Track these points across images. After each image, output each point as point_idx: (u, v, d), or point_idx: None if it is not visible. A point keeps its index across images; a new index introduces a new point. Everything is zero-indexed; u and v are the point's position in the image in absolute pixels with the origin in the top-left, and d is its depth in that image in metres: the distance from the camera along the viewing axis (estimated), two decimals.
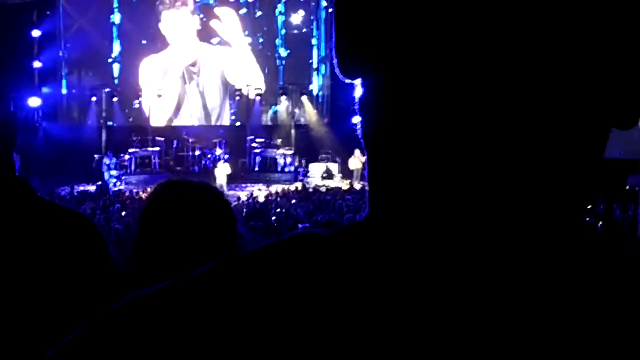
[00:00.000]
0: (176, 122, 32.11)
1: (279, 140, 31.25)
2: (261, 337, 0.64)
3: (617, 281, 0.68)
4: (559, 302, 0.65)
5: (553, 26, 0.61)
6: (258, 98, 31.71)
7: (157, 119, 31.64)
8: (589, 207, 16.47)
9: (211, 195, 2.46)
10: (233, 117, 32.56)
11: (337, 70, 0.73)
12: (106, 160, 28.27)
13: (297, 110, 32.44)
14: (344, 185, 26.29)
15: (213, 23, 31.96)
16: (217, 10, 31.99)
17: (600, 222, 14.90)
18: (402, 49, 0.64)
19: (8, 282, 1.90)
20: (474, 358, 0.63)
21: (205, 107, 32.39)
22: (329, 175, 28.79)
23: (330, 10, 31.49)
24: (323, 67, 32.33)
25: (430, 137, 0.64)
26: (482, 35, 0.61)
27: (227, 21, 32.12)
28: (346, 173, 28.46)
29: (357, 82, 0.72)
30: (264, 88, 32.03)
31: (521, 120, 0.62)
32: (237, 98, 31.81)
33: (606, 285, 0.68)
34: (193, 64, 32.11)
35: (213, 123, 32.39)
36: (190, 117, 32.20)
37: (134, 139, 30.05)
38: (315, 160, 29.73)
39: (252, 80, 31.88)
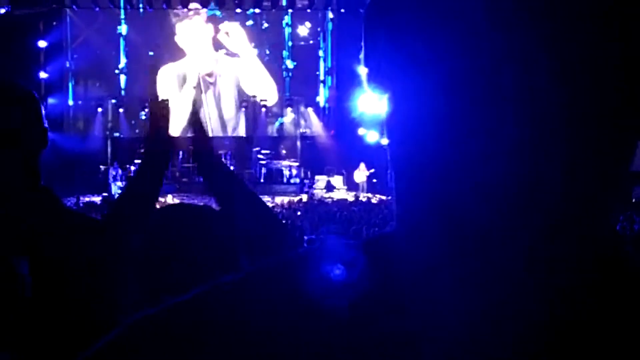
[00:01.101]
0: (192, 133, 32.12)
1: (285, 152, 31.41)
2: (298, 341, 0.66)
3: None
4: (584, 318, 0.64)
5: (581, 40, 0.60)
6: (264, 110, 31.86)
7: (173, 129, 31.68)
8: None
9: (210, 220, 2.43)
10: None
11: (367, 82, 0.73)
12: (112, 172, 28.43)
13: (303, 122, 32.60)
14: (350, 197, 26.40)
15: (220, 36, 32.11)
16: (223, 26, 32.14)
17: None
18: (430, 70, 0.63)
19: (34, 286, 1.92)
20: None
21: (221, 117, 32.51)
22: (329, 188, 28.94)
23: (336, 22, 31.72)
24: (329, 79, 32.48)
25: (451, 150, 0.63)
26: (509, 53, 0.60)
27: (234, 35, 32.27)
28: (351, 185, 28.60)
29: (385, 98, 0.71)
30: (276, 98, 32.19)
31: (550, 136, 0.61)
32: (244, 109, 31.95)
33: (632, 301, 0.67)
34: (209, 74, 32.24)
35: (230, 134, 32.45)
36: (209, 130, 32.34)
37: (141, 150, 30.17)
38: (321, 172, 29.87)
39: (266, 89, 32.08)
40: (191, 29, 31.94)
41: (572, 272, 0.65)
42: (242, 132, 32.72)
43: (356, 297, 0.66)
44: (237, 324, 0.67)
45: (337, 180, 29.34)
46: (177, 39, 31.93)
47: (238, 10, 31.99)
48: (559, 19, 0.59)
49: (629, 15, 0.60)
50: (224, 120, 32.58)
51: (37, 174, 2.18)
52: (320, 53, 32.76)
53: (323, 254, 0.72)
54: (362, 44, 0.72)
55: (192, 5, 31.65)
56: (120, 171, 28.51)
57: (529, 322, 0.63)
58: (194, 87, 32.11)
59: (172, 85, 31.81)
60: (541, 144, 0.60)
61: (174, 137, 2.90)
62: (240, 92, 32.36)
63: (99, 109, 31.44)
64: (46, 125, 2.22)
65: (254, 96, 31.69)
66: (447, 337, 0.63)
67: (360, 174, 28.05)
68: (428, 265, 0.66)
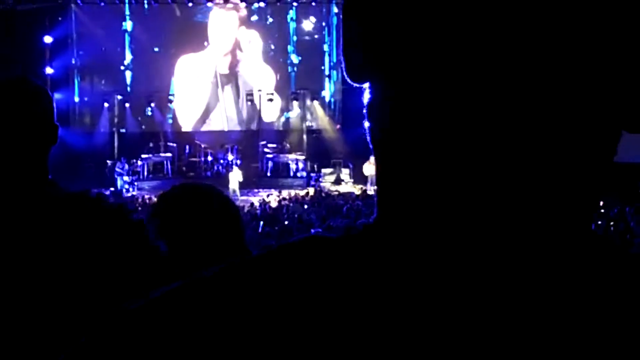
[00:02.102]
0: (207, 127, 32.22)
1: (291, 146, 31.31)
2: (267, 341, 0.64)
3: (619, 284, 0.68)
4: (563, 308, 0.64)
5: (561, 27, 0.60)
6: (270, 103, 31.76)
7: (188, 122, 31.95)
8: (602, 210, 16.51)
9: (218, 197, 2.47)
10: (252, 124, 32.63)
11: (345, 74, 0.73)
12: (119, 166, 28.40)
13: (309, 116, 32.48)
14: (357, 190, 26.30)
15: (241, 39, 32.15)
16: (244, 31, 32.19)
17: (613, 226, 14.87)
18: (407, 53, 0.64)
19: (44, 278, 1.93)
20: None
21: (239, 113, 32.45)
22: (337, 181, 28.80)
23: (341, 16, 31.55)
24: (335, 73, 32.33)
25: (437, 141, 0.63)
26: (488, 38, 0.60)
27: (254, 43, 32.37)
28: (358, 178, 28.48)
29: (366, 86, 0.72)
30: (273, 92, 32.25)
31: (529, 124, 0.61)
32: (249, 103, 31.86)
33: (609, 289, 0.67)
34: (230, 70, 32.25)
35: (254, 128, 32.48)
36: (224, 122, 32.23)
37: (151, 145, 30.21)
38: (328, 165, 29.75)
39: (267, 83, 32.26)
40: (222, 20, 31.91)
41: (566, 264, 0.66)
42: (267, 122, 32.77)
43: (341, 288, 0.66)
44: (215, 319, 0.66)
45: (344, 174, 29.20)
46: (208, 24, 31.91)
47: (242, 5, 31.88)
48: (549, 8, 0.60)
49: (618, 8, 0.61)
50: (242, 115, 32.51)
51: (46, 169, 2.22)
52: (325, 47, 32.62)
53: (299, 248, 0.71)
54: (342, 33, 0.72)
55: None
56: (126, 166, 28.49)
57: (529, 313, 0.63)
58: (212, 82, 32.03)
59: (191, 77, 31.80)
60: (532, 135, 0.60)
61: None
62: (261, 87, 32.27)
63: (105, 104, 31.38)
64: (57, 122, 2.25)
65: (260, 89, 31.57)
66: (443, 330, 0.63)
67: (370, 167, 27.94)
68: (419, 256, 0.66)
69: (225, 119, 32.34)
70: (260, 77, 32.22)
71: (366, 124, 0.71)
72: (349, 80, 0.73)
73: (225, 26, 31.94)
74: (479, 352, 0.62)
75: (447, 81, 0.62)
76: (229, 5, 31.69)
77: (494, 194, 0.62)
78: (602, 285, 0.67)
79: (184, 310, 0.67)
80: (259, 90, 31.49)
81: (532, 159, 0.61)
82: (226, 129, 32.04)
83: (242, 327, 0.65)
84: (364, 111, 0.72)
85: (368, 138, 0.72)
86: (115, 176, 28.18)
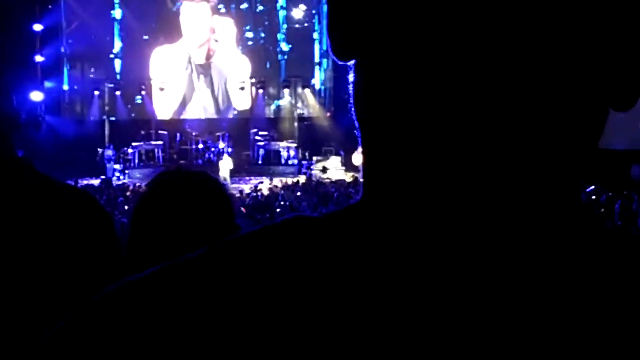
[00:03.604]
0: (184, 116, 32.11)
1: (282, 133, 31.23)
2: (250, 322, 0.64)
3: (618, 267, 0.67)
4: (554, 287, 0.64)
5: (545, 4, 0.59)
6: (261, 91, 31.70)
7: (164, 111, 31.78)
8: (593, 197, 16.47)
9: (208, 183, 2.45)
10: (235, 112, 32.52)
11: (330, 52, 0.73)
12: (108, 152, 28.34)
13: (300, 104, 32.40)
14: (348, 177, 26.24)
15: (216, 27, 32.03)
16: (219, 19, 32.10)
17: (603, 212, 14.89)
18: (392, 29, 0.64)
19: (10, 258, 1.90)
20: (464, 345, 0.62)
21: (216, 100, 32.34)
22: (323, 170, 28.68)
23: None
24: (325, 61, 32.22)
25: (420, 118, 0.63)
26: (470, 14, 0.60)
27: (229, 30, 32.24)
28: (350, 166, 28.40)
29: (352, 64, 0.72)
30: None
31: (514, 100, 0.60)
32: (241, 90, 31.79)
33: (607, 272, 0.67)
34: (205, 60, 32.12)
35: (228, 116, 32.38)
36: (202, 110, 32.12)
37: (142, 133, 30.13)
38: (319, 153, 29.67)
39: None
40: (193, 12, 31.73)
41: (552, 245, 0.66)
42: (240, 110, 32.65)
43: (325, 268, 0.66)
44: (197, 301, 0.66)
45: (330, 161, 29.09)
46: (181, 18, 31.76)
47: None
48: None
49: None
50: (218, 103, 32.41)
51: (12, 147, 2.13)
52: (315, 35, 32.49)
53: (282, 228, 0.71)
54: (327, 9, 0.73)
55: None
56: (110, 152, 28.41)
57: (514, 290, 0.63)
58: (186, 70, 31.92)
59: (166, 68, 31.65)
60: (517, 109, 0.60)
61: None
62: (236, 76, 32.19)
63: (96, 92, 31.25)
64: (15, 104, 2.15)
65: (252, 77, 31.54)
66: (427, 310, 0.63)
67: (359, 157, 27.80)
68: (403, 233, 0.66)
69: (201, 108, 32.24)
70: (236, 66, 32.18)
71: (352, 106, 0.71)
72: (334, 57, 0.73)
73: (197, 18, 31.81)
74: (460, 325, 0.62)
75: (427, 58, 0.62)
76: None
77: (478, 172, 0.62)
78: (590, 259, 0.67)
79: (165, 292, 0.67)
80: (251, 78, 31.43)
81: (517, 136, 0.61)
82: (205, 117, 31.97)
83: (225, 307, 0.65)
84: (349, 90, 0.71)
85: (354, 117, 0.71)
86: (105, 163, 28.10)
